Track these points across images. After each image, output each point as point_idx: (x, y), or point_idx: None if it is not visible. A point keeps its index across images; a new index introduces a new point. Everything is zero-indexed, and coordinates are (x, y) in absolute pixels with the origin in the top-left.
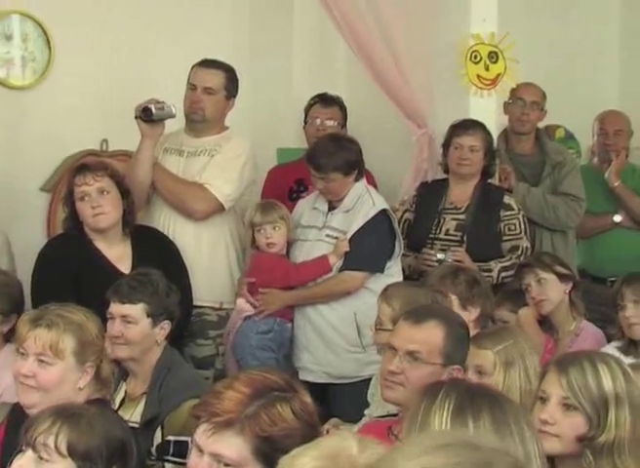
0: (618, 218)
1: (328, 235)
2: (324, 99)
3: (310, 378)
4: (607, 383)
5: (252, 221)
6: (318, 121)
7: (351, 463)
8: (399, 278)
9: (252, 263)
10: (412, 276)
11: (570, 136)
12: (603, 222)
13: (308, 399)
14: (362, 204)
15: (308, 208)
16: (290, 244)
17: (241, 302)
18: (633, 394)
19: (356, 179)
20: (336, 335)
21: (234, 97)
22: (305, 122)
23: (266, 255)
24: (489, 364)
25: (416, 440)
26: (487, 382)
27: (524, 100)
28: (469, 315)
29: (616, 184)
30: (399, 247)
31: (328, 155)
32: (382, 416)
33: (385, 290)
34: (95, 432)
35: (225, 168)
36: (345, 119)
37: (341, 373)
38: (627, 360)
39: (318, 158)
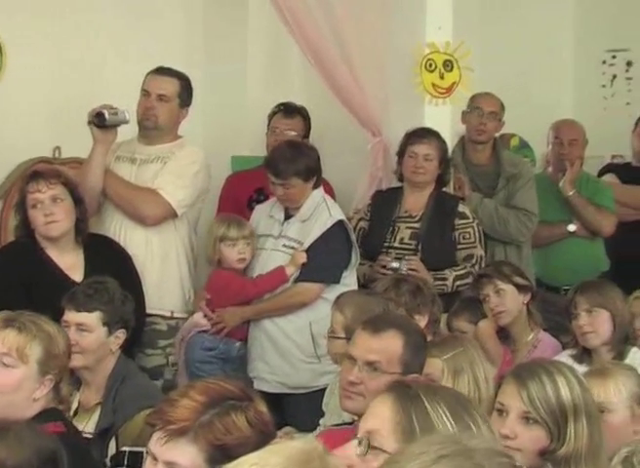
0: (572, 228)
1: (285, 245)
2: (286, 110)
3: (265, 388)
4: (565, 395)
5: (226, 236)
6: (278, 131)
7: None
8: (355, 288)
9: (209, 280)
10: (367, 285)
11: (524, 145)
12: (557, 232)
13: (264, 408)
14: (319, 214)
15: (265, 216)
16: (247, 269)
17: (198, 317)
18: (589, 403)
19: (314, 187)
20: (291, 346)
21: (188, 106)
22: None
23: (223, 273)
24: (437, 372)
25: (412, 452)
26: None
27: (482, 110)
28: (418, 323)
29: (570, 193)
30: (355, 257)
31: (287, 160)
32: (337, 425)
33: (338, 298)
34: (24, 445)
35: (178, 174)
36: (309, 130)
37: (297, 383)
38: (581, 368)
39: (277, 163)
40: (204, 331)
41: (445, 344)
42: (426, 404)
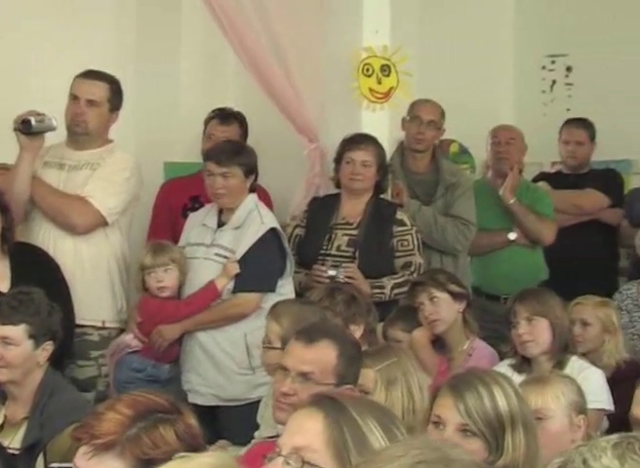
0: (512, 236)
1: (217, 254)
2: (222, 116)
3: (199, 401)
4: (502, 405)
5: (142, 264)
6: (214, 138)
7: None
8: (291, 296)
9: (139, 309)
10: (303, 294)
11: (464, 151)
12: (498, 240)
13: (193, 421)
14: (251, 221)
15: (197, 224)
16: (182, 286)
17: (129, 338)
18: (526, 413)
19: (251, 189)
20: (225, 357)
21: (118, 110)
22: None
23: (151, 302)
24: (370, 382)
25: (391, 454)
26: None
27: (421, 119)
28: (353, 333)
29: (510, 202)
30: (290, 265)
31: (231, 151)
32: (272, 437)
33: (274, 307)
34: None
35: (109, 181)
36: (245, 136)
37: (231, 396)
38: (520, 378)
39: (221, 152)
40: (136, 352)
41: (378, 354)
42: (356, 417)
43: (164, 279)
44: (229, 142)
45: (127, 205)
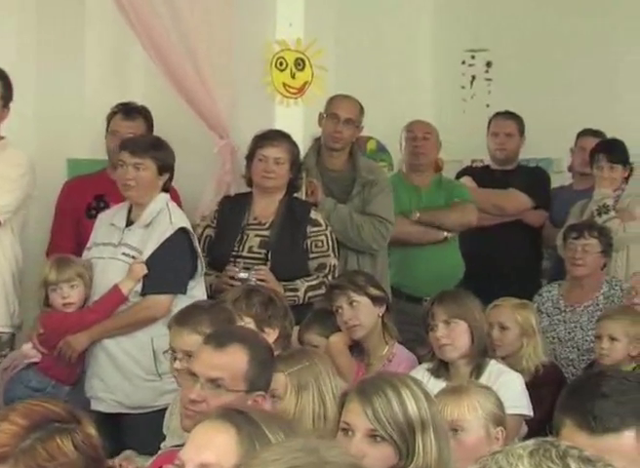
0: (447, 233)
1: (124, 253)
2: (126, 110)
3: (102, 408)
4: (412, 409)
5: (46, 280)
6: (118, 135)
7: None
8: (203, 299)
9: (41, 321)
10: (214, 296)
11: (382, 149)
12: (434, 237)
13: (93, 431)
14: (160, 221)
15: (106, 224)
16: (87, 299)
17: (27, 348)
18: (436, 417)
19: (165, 189)
20: (131, 363)
21: (9, 104)
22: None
23: (54, 316)
24: (281, 387)
25: (265, 458)
26: (280, 406)
27: (338, 117)
28: (268, 337)
29: (417, 216)
30: (201, 266)
31: (148, 142)
32: (179, 445)
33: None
34: None
35: (2, 177)
36: (151, 132)
37: (136, 403)
38: (438, 382)
39: (137, 141)
40: (35, 363)
41: (290, 358)
42: (267, 433)
43: (70, 295)
44: (148, 135)
45: (20, 203)
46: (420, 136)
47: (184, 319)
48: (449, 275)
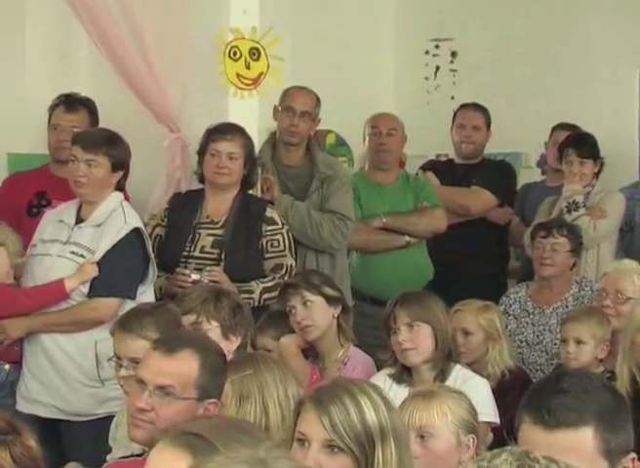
0: (410, 239)
1: (73, 252)
2: (68, 102)
3: (40, 413)
4: (371, 418)
5: None
6: (60, 129)
7: None
8: None
9: None
10: (164, 299)
11: (341, 143)
12: (397, 243)
13: (33, 443)
14: (113, 220)
15: (54, 221)
16: (17, 280)
17: None
18: (396, 425)
19: (118, 188)
20: (70, 365)
21: None
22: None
23: None
24: (224, 395)
25: None
26: (222, 414)
27: (294, 110)
28: (230, 345)
29: (384, 221)
30: (153, 271)
31: (103, 137)
32: (126, 457)
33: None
34: None
35: None
36: (96, 125)
37: (76, 410)
38: (400, 389)
39: (90, 136)
40: None
41: (234, 365)
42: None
43: None
44: (102, 129)
45: None
46: (384, 132)
47: (127, 324)
48: (415, 277)
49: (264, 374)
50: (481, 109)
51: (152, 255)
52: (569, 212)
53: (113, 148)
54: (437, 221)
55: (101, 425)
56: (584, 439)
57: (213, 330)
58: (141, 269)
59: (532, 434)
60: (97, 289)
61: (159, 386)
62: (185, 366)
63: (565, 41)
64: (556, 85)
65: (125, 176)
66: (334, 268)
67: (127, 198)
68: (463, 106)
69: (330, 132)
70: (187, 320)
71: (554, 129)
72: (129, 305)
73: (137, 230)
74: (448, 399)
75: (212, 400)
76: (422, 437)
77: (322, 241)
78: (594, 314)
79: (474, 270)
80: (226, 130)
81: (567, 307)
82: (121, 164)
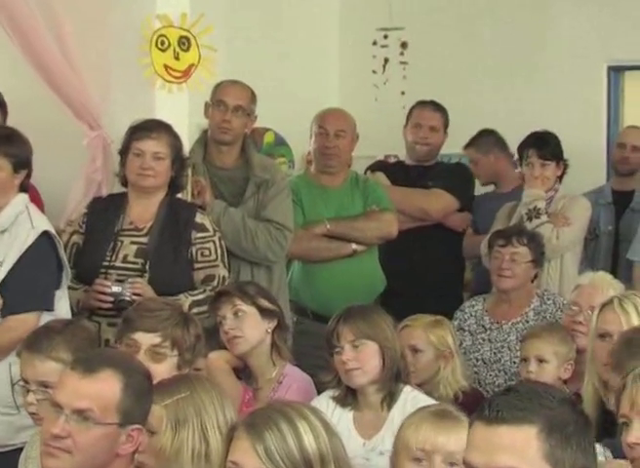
0: (357, 246)
1: None
2: None
3: None
4: (309, 444)
5: None
6: None
7: None
8: (67, 316)
9: None
10: (81, 314)
11: (280, 142)
12: (342, 252)
13: None
14: (20, 225)
15: None
16: None
17: None
18: (338, 451)
19: (22, 189)
20: None
21: None
22: None
23: None
24: (157, 420)
25: None
26: (155, 443)
27: (226, 104)
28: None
29: (328, 227)
30: (66, 276)
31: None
32: None
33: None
34: None
35: None
36: (4, 121)
37: None
38: (345, 412)
39: None
40: None
41: (168, 387)
42: None
43: None
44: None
45: None
46: (332, 133)
47: (35, 344)
48: (364, 289)
49: (201, 396)
50: (440, 109)
51: (65, 258)
52: (530, 219)
53: (13, 147)
54: (386, 226)
55: (17, 457)
56: (526, 437)
57: (171, 358)
58: (56, 276)
59: (473, 431)
60: (10, 305)
61: (76, 410)
62: (106, 387)
63: (526, 32)
64: (516, 80)
65: (28, 176)
66: (270, 282)
67: (38, 200)
68: (421, 104)
69: (267, 130)
70: (145, 339)
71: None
72: (47, 318)
73: (46, 233)
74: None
75: (135, 426)
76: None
77: (257, 252)
78: (557, 330)
79: (427, 282)
80: (151, 127)
81: (527, 322)
82: (23, 163)
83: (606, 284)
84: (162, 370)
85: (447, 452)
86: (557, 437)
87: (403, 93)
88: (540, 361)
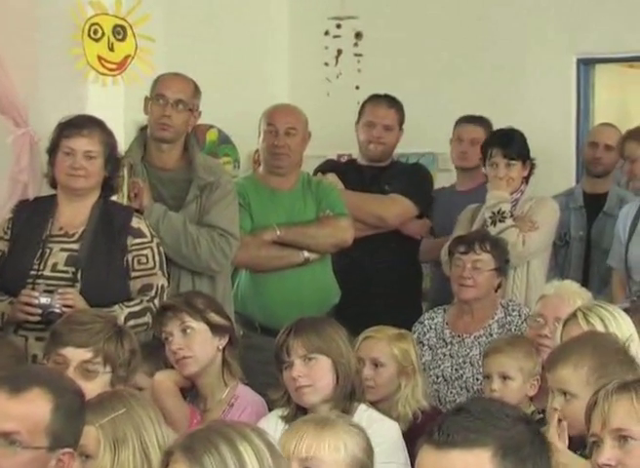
0: (309, 255)
1: None
2: None
3: None
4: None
5: None
6: None
7: None
8: None
9: None
10: (5, 328)
11: (225, 140)
12: (293, 260)
13: None
14: None
15: None
16: None
17: None
18: None
19: None
20: None
21: None
22: None
23: None
24: (92, 442)
25: None
26: (91, 467)
27: (165, 98)
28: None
29: (278, 233)
30: None
31: None
32: None
33: None
34: None
35: None
36: None
37: None
38: None
39: None
40: None
41: (102, 406)
42: None
43: None
44: None
45: None
46: (281, 131)
47: None
48: (317, 300)
49: (138, 412)
50: (395, 105)
51: None
52: (493, 223)
53: None
54: (341, 233)
55: None
56: (479, 462)
57: (103, 375)
58: None
59: (422, 455)
60: None
61: (2, 433)
62: (34, 408)
63: (490, 22)
64: (479, 73)
65: None
66: (214, 293)
67: None
68: (374, 99)
69: (211, 127)
70: (75, 355)
71: (457, 123)
72: None
73: None
74: (345, 433)
75: (67, 449)
76: None
77: (199, 261)
78: (520, 344)
79: (385, 292)
80: (83, 123)
81: (491, 336)
82: None
83: (572, 293)
84: (94, 389)
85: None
86: (512, 460)
87: (357, 87)
88: (505, 378)
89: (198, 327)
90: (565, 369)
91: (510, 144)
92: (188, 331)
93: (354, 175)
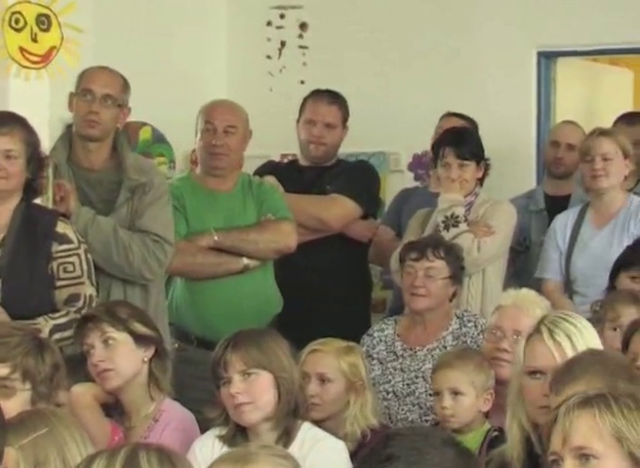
0: (248, 261)
1: None
2: None
3: None
4: None
5: None
6: None
7: None
8: None
9: None
10: None
11: (159, 139)
12: (232, 267)
13: None
14: None
15: None
16: None
17: None
18: None
19: None
20: None
21: None
22: None
23: None
24: (12, 464)
25: None
26: None
27: (92, 93)
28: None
29: (215, 238)
30: None
31: None
32: None
33: None
34: None
35: None
36: None
37: None
38: None
39: None
40: None
41: (22, 425)
42: None
43: None
44: None
45: None
46: (220, 129)
47: None
48: (257, 310)
49: (62, 432)
50: (338, 101)
51: None
52: (447, 228)
53: None
54: (283, 238)
55: None
56: None
57: (23, 392)
58: None
59: None
60: None
61: None
62: None
63: (446, 13)
64: (433, 67)
65: None
66: (147, 303)
67: None
68: (314, 95)
69: (144, 125)
70: None
71: (442, 118)
72: None
73: None
74: (269, 465)
75: None
76: None
77: (131, 268)
78: (470, 356)
79: (331, 301)
80: (2, 121)
81: (445, 348)
82: None
83: (531, 303)
84: (12, 407)
85: None
86: None
87: (302, 82)
88: (456, 393)
89: (120, 337)
90: (576, 388)
91: (463, 144)
92: (110, 341)
93: (294, 176)
